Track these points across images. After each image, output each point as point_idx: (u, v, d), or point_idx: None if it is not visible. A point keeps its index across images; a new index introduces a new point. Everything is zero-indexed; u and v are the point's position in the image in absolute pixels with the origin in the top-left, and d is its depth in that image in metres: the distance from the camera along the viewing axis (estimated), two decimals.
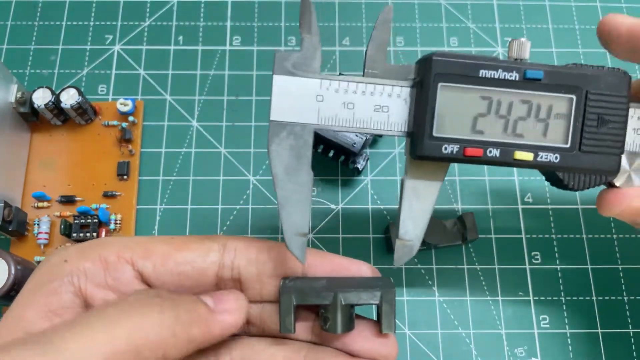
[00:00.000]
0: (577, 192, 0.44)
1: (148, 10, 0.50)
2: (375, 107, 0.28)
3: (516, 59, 0.28)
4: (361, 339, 0.30)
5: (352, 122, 0.28)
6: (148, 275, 0.28)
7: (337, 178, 0.45)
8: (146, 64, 0.48)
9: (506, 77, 0.27)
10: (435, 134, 0.28)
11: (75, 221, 0.41)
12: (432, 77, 0.27)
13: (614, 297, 0.42)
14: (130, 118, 0.44)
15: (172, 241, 0.29)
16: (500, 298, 0.41)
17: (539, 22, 0.50)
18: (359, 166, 0.43)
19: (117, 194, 0.43)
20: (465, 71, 0.27)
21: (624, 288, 0.42)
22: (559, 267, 0.42)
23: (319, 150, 0.44)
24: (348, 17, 0.50)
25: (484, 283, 0.42)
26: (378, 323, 0.29)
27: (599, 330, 0.41)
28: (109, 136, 0.45)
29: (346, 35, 0.49)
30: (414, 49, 0.49)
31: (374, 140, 0.46)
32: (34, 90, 0.42)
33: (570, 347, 0.40)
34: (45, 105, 0.42)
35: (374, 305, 0.29)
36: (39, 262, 0.40)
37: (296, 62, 0.28)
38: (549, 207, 0.44)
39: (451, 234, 0.41)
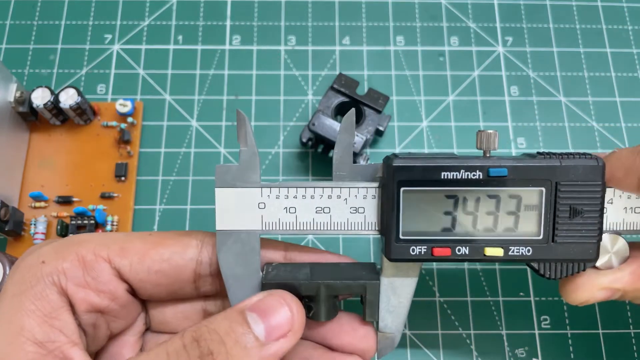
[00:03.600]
0: None
1: (147, 9, 0.49)
2: (317, 209, 0.29)
3: (485, 152, 0.29)
4: (342, 333, 0.30)
5: (295, 225, 0.29)
6: (126, 272, 0.28)
7: None
8: (145, 63, 0.48)
9: (469, 177, 0.27)
10: (402, 236, 0.28)
11: (72, 222, 0.41)
12: (394, 184, 0.27)
13: None
14: (129, 119, 0.44)
15: (149, 238, 0.29)
16: (501, 298, 0.41)
17: (539, 22, 0.50)
18: None
19: (114, 195, 0.43)
20: (427, 175, 0.27)
21: None
22: None
23: (319, 150, 0.44)
24: (348, 17, 0.50)
25: (484, 283, 0.42)
26: (360, 314, 0.30)
27: (600, 331, 0.41)
28: (107, 137, 0.44)
29: (346, 35, 0.49)
30: (414, 48, 0.49)
31: (374, 140, 0.45)
32: (33, 90, 0.42)
33: (571, 348, 0.40)
34: (44, 105, 0.41)
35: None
36: None
37: (236, 174, 0.29)
38: None
39: None
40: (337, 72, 0.47)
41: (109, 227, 0.42)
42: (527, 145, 0.46)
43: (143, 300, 0.31)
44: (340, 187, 0.29)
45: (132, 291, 0.29)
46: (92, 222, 0.41)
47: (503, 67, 0.48)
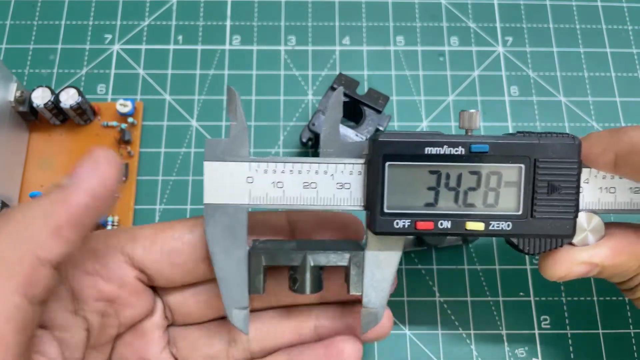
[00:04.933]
0: None
1: (147, 9, 0.49)
2: (304, 184, 0.29)
3: (467, 130, 0.29)
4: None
5: (282, 199, 0.29)
6: (139, 258, 0.29)
7: None
8: (145, 63, 0.48)
9: (452, 152, 0.28)
10: (386, 210, 0.28)
11: None
12: (380, 158, 0.28)
13: (615, 298, 0.41)
14: (130, 119, 0.44)
15: (156, 225, 0.30)
16: (500, 298, 0.41)
17: (539, 22, 0.50)
18: None
19: (114, 195, 0.43)
20: (412, 150, 0.28)
21: None
22: None
23: (319, 150, 0.44)
24: (348, 17, 0.50)
25: (484, 283, 0.42)
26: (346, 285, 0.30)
27: (600, 331, 0.41)
28: (107, 137, 0.44)
29: (346, 35, 0.49)
30: (414, 48, 0.49)
31: None
32: (33, 90, 0.42)
33: (571, 348, 0.40)
34: (45, 104, 0.41)
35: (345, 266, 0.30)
36: None
37: (225, 148, 0.29)
38: None
39: None
40: (337, 72, 0.47)
41: (109, 227, 0.42)
42: None
43: (159, 291, 0.31)
44: (327, 163, 0.29)
45: (147, 280, 0.30)
46: None
47: (503, 67, 0.48)
